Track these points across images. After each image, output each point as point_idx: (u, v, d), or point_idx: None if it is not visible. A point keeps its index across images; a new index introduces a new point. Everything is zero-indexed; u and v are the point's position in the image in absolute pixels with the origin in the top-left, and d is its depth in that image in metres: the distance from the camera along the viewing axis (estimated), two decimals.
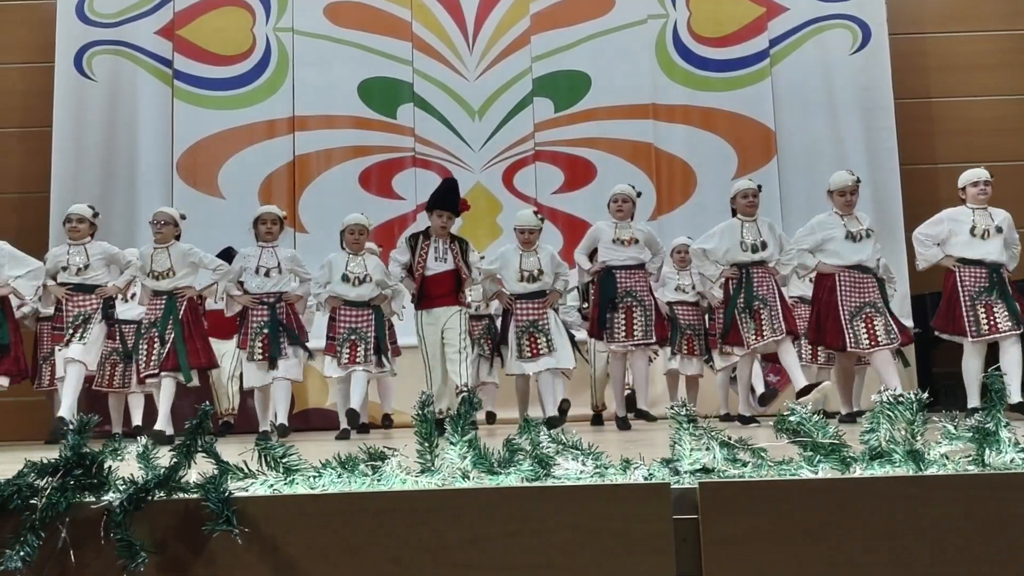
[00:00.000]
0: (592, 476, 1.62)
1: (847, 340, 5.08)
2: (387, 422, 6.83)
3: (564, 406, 5.42)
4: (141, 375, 5.59)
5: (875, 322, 5.07)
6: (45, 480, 1.61)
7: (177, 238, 5.71)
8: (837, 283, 5.18)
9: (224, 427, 6.69)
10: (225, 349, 6.65)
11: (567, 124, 8.22)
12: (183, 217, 5.82)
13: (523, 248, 5.69)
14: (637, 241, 5.58)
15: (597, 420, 6.62)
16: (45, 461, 1.61)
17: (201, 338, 5.64)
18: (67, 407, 5.38)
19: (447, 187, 5.63)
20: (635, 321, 5.43)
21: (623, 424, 5.56)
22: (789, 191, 7.98)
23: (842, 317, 5.10)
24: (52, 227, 7.61)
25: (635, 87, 8.24)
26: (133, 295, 6.05)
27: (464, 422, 1.69)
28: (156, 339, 5.46)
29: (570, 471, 1.63)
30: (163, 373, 5.44)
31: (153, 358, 5.44)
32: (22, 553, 1.52)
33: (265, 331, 5.51)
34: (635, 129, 8.21)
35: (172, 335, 5.45)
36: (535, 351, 5.50)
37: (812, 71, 8.27)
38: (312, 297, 5.87)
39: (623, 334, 5.44)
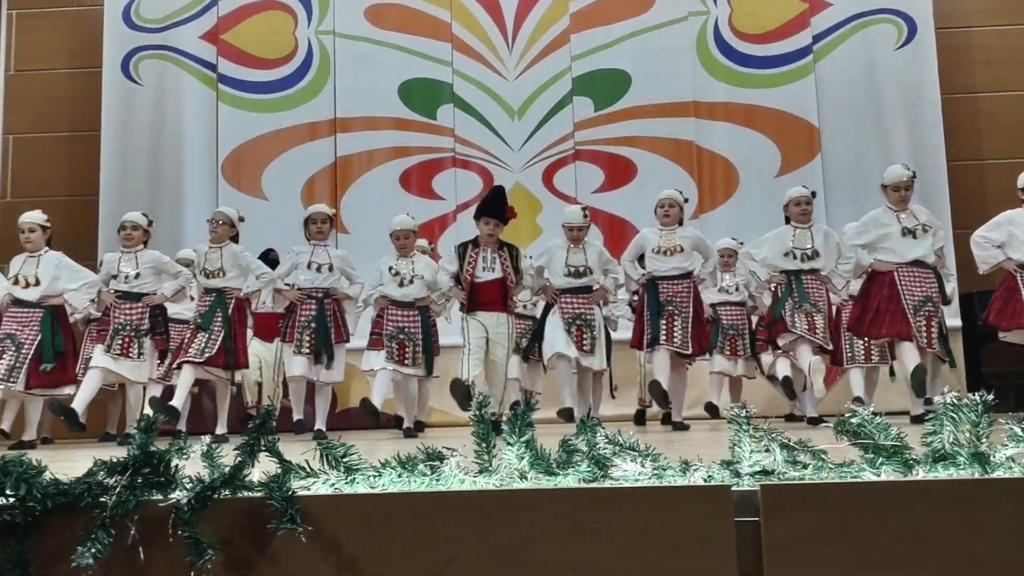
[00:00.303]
0: (650, 478, 1.62)
1: (912, 328, 4.94)
2: (419, 428, 6.74)
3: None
4: (177, 360, 5.64)
5: (932, 323, 4.96)
6: (114, 478, 1.64)
7: (234, 239, 5.80)
8: (897, 279, 5.05)
9: (245, 421, 6.75)
10: (269, 351, 6.73)
11: (607, 123, 8.20)
12: (242, 219, 5.91)
13: (571, 244, 5.64)
14: (682, 249, 5.51)
15: (640, 418, 6.59)
16: (114, 460, 1.65)
17: (242, 338, 5.75)
18: (79, 402, 5.47)
19: (494, 195, 5.62)
20: (675, 328, 5.38)
21: (663, 399, 5.51)
22: (833, 189, 7.88)
23: (906, 308, 4.96)
24: (101, 230, 7.77)
25: (676, 85, 8.19)
26: (192, 298, 6.12)
27: (521, 423, 1.70)
28: (199, 331, 5.53)
29: (628, 472, 1.63)
30: (208, 368, 5.54)
31: (192, 347, 5.49)
32: (93, 550, 1.55)
33: (313, 325, 5.61)
34: (676, 127, 8.17)
35: (221, 333, 5.52)
36: (580, 343, 5.45)
37: (856, 67, 8.16)
38: (361, 301, 5.94)
39: (664, 338, 5.39)
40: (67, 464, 1.76)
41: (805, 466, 1.66)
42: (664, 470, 1.64)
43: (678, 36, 8.28)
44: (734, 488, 1.58)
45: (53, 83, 8.46)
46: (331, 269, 5.78)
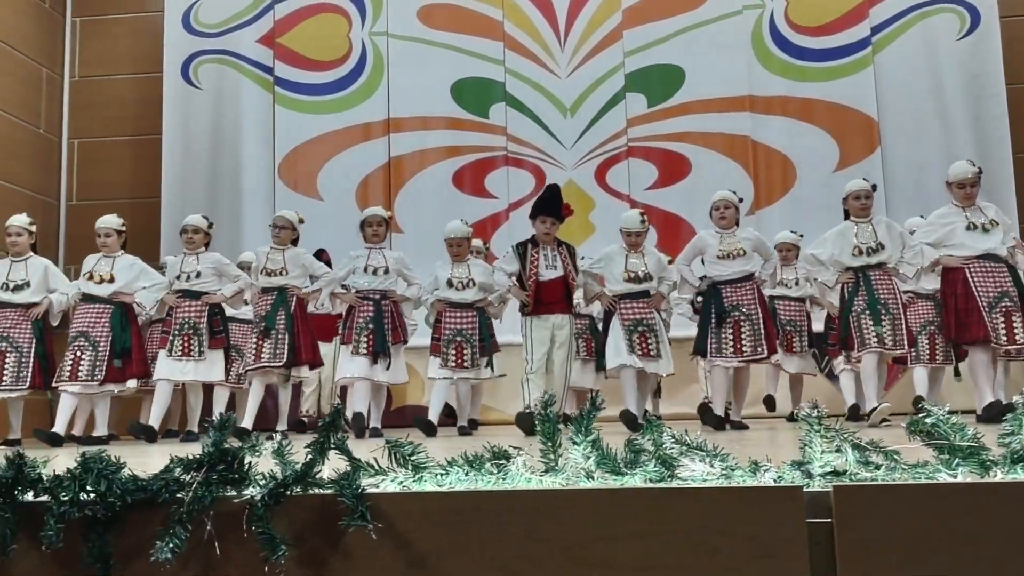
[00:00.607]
0: (719, 478, 1.61)
1: (988, 331, 4.74)
2: (473, 426, 6.75)
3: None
4: (247, 368, 5.80)
5: (1014, 318, 4.74)
6: (190, 475, 1.68)
7: (294, 242, 5.93)
8: (968, 275, 4.87)
9: (299, 425, 6.85)
10: (326, 351, 6.82)
11: (661, 119, 8.15)
12: (301, 221, 6.04)
13: (629, 249, 5.60)
14: (744, 252, 5.38)
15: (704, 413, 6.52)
16: (190, 457, 1.69)
17: (309, 333, 5.84)
18: (154, 418, 5.68)
19: (550, 193, 5.61)
20: (743, 336, 5.25)
21: (719, 424, 5.41)
22: (894, 183, 7.73)
23: (981, 307, 4.77)
24: (163, 232, 7.96)
25: (731, 79, 8.11)
26: (245, 302, 6.24)
27: (588, 422, 1.70)
28: (263, 333, 5.65)
29: (696, 472, 1.62)
30: (279, 370, 5.68)
31: (264, 353, 5.62)
32: (171, 545, 1.59)
33: (371, 327, 5.66)
34: (731, 122, 8.09)
35: (287, 333, 5.63)
36: (645, 350, 5.39)
37: (917, 58, 7.99)
38: (419, 300, 6.00)
39: (731, 350, 5.27)
40: (136, 460, 1.81)
41: (878, 467, 1.63)
42: (733, 470, 1.62)
43: (733, 30, 8.19)
44: (806, 489, 1.56)
45: (116, 88, 8.69)
46: (387, 272, 5.82)
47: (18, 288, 5.61)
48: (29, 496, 1.69)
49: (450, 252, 5.91)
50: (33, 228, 5.86)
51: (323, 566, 1.63)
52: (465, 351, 5.67)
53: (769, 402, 6.32)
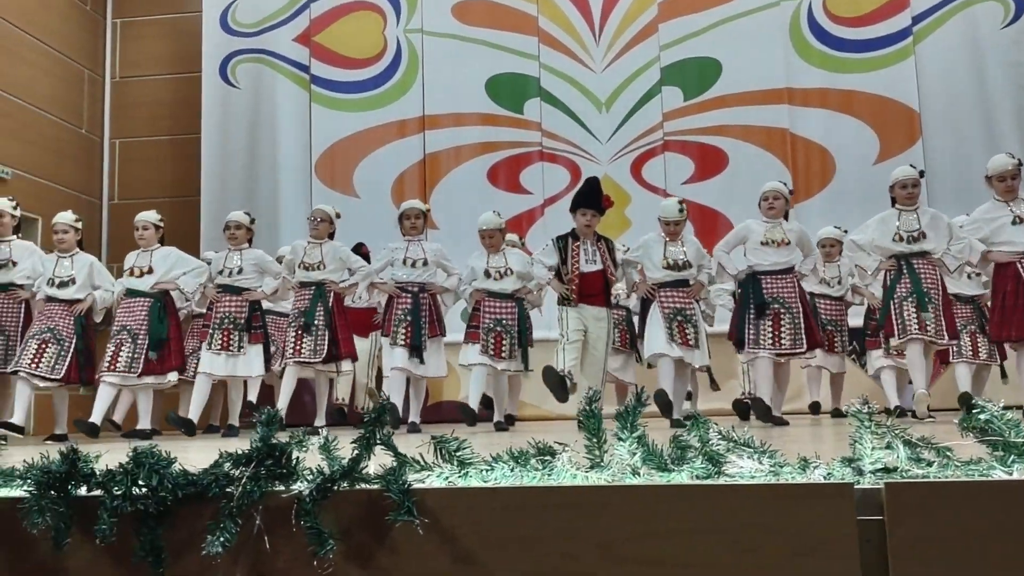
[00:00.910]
0: (767, 475, 1.59)
1: None
2: (510, 421, 6.76)
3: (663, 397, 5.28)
4: (288, 360, 5.85)
5: None
6: (239, 470, 1.70)
7: (331, 236, 5.99)
8: (1021, 271, 4.77)
9: (338, 414, 6.90)
10: (363, 347, 6.89)
11: (697, 112, 8.09)
12: (338, 215, 6.09)
13: (668, 238, 5.52)
14: (788, 243, 5.30)
15: (743, 411, 6.47)
16: (239, 452, 1.71)
17: (347, 327, 5.90)
18: (193, 411, 5.78)
19: (590, 186, 5.57)
20: (783, 329, 5.17)
21: (778, 421, 5.34)
22: (935, 175, 7.59)
23: None
24: (203, 230, 8.06)
25: (768, 71, 8.03)
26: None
27: (633, 418, 1.69)
28: (302, 329, 5.71)
29: (744, 469, 1.61)
30: (320, 367, 5.75)
31: (304, 348, 5.68)
32: (222, 539, 1.61)
33: (408, 319, 5.70)
34: (769, 115, 8.00)
35: (327, 329, 5.69)
36: (684, 339, 5.33)
37: (960, 48, 7.84)
38: (458, 291, 6.02)
39: (769, 342, 5.19)
40: (180, 455, 1.83)
41: (930, 463, 1.60)
42: (781, 467, 1.60)
43: (770, 22, 8.10)
44: (857, 486, 1.53)
45: (155, 88, 8.82)
46: (425, 264, 5.87)
47: (64, 284, 5.71)
48: (82, 491, 1.73)
49: (484, 244, 5.92)
50: (79, 225, 5.97)
51: (370, 560, 1.64)
52: (504, 341, 5.68)
53: (815, 408, 6.26)
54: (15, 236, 5.92)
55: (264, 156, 8.46)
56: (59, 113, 8.17)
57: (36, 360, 5.47)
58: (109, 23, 8.94)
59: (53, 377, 5.54)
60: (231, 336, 5.79)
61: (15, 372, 5.48)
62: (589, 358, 5.26)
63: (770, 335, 5.18)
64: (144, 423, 5.73)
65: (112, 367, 5.56)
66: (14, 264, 5.76)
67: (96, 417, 5.52)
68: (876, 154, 7.77)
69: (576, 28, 8.37)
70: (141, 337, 5.61)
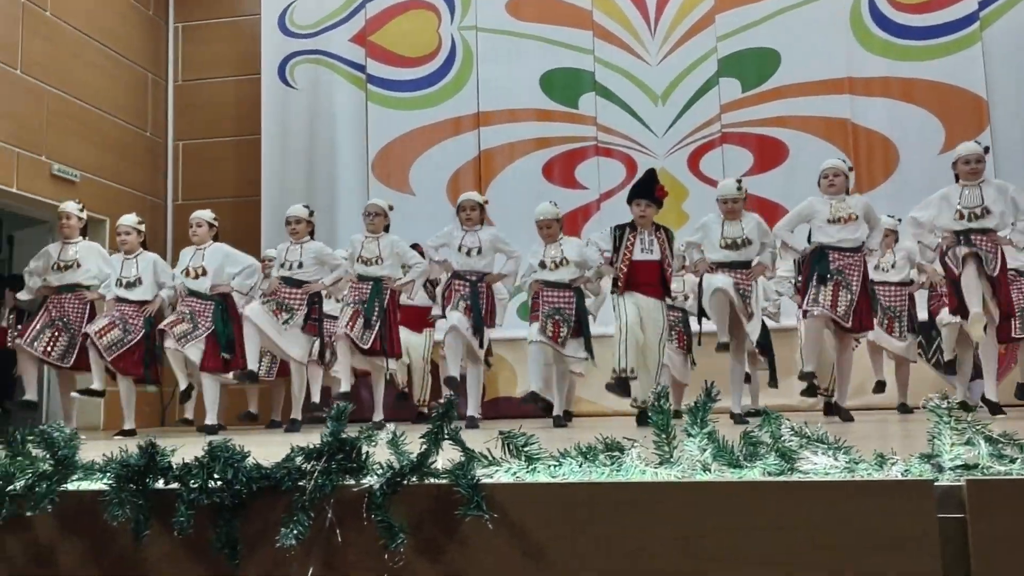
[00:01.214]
0: (842, 472, 1.56)
1: None
2: (568, 417, 6.70)
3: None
4: (339, 330, 5.89)
5: None
6: (311, 464, 1.73)
7: (386, 229, 6.07)
8: None
9: (420, 416, 6.95)
10: (417, 342, 6.93)
11: (755, 104, 7.96)
12: (391, 208, 6.16)
13: (726, 216, 5.39)
14: (856, 217, 5.12)
15: (830, 409, 6.36)
16: (311, 446, 1.74)
17: (396, 329, 5.98)
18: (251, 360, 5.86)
19: (646, 176, 5.51)
20: (840, 298, 5.01)
21: (808, 379, 5.24)
22: (1004, 164, 7.34)
23: None
24: (264, 229, 8.20)
25: (828, 61, 7.86)
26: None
27: (703, 414, 1.67)
28: (361, 314, 5.78)
29: (818, 466, 1.58)
30: (368, 357, 5.83)
31: (354, 329, 5.75)
32: (295, 531, 1.64)
33: (468, 301, 5.75)
34: (830, 105, 7.84)
35: (379, 323, 5.76)
36: (744, 307, 5.24)
37: None
38: (519, 279, 6.05)
39: (828, 303, 5.01)
40: (253, 450, 1.86)
41: (1012, 460, 1.55)
42: (856, 463, 1.57)
43: (830, 10, 7.93)
44: (936, 483, 1.50)
45: (217, 91, 8.99)
46: (480, 252, 5.92)
47: (131, 285, 5.88)
48: (160, 484, 1.77)
49: (541, 235, 5.93)
50: (141, 227, 6.12)
51: (440, 554, 1.66)
52: (561, 329, 5.68)
53: (880, 387, 6.12)
54: (81, 238, 6.09)
55: (322, 156, 8.56)
56: (124, 116, 8.39)
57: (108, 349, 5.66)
58: (171, 27, 9.14)
59: (116, 366, 5.72)
60: (288, 323, 5.91)
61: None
62: (645, 348, 5.19)
63: (829, 299, 5.02)
64: (211, 418, 5.86)
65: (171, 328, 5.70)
66: (79, 265, 5.92)
67: (209, 417, 5.77)
68: (942, 143, 7.55)
69: (631, 21, 8.30)
70: (201, 328, 5.74)
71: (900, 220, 6.05)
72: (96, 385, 5.75)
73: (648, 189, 5.31)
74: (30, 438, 1.87)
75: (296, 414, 6.08)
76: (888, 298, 6.10)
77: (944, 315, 5.77)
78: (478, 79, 8.45)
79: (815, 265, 5.13)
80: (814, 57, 7.88)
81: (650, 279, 5.22)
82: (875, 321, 5.74)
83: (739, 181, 5.54)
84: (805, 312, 5.20)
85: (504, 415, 7.48)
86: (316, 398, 6.38)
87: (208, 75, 9.02)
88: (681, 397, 6.26)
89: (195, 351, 5.72)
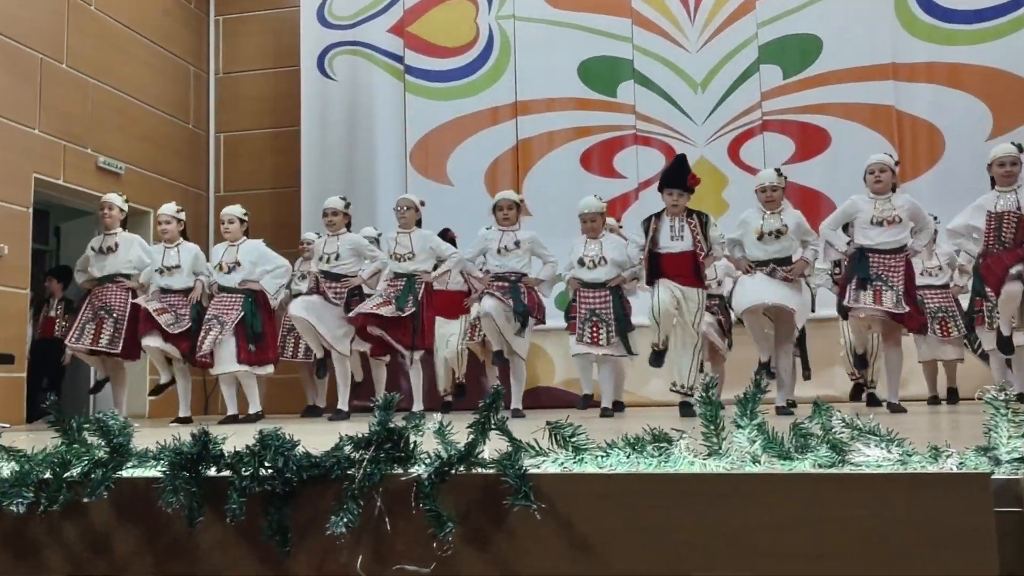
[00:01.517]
0: (895, 464, 1.54)
1: None
2: (618, 408, 6.71)
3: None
4: (358, 311, 5.94)
5: None
6: (359, 453, 1.74)
7: (418, 223, 6.10)
8: None
9: (444, 406, 6.98)
10: (453, 330, 6.96)
11: (797, 91, 7.85)
12: (422, 203, 6.18)
13: (765, 207, 5.28)
14: (900, 220, 5.02)
15: (857, 394, 6.30)
16: (359, 435, 1.75)
17: (431, 322, 6.02)
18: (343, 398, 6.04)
19: (676, 164, 5.45)
20: (884, 296, 4.90)
21: (861, 363, 5.14)
22: None
23: None
24: (303, 220, 8.28)
25: (872, 47, 7.72)
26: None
27: (753, 405, 1.66)
28: (390, 303, 5.85)
29: (871, 458, 1.56)
30: (394, 344, 5.91)
31: (383, 310, 5.82)
32: (345, 519, 1.66)
33: (508, 295, 5.80)
34: (873, 91, 7.70)
35: (412, 314, 5.82)
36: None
37: None
38: (555, 277, 6.06)
39: (870, 302, 4.90)
40: (303, 439, 1.88)
41: None
42: (910, 456, 1.55)
43: None
44: (993, 476, 1.47)
45: (257, 83, 9.08)
46: (518, 246, 5.93)
47: (171, 273, 6.02)
48: (212, 471, 1.80)
49: (583, 228, 5.90)
50: (181, 216, 6.23)
51: (488, 544, 1.66)
52: (600, 330, 5.67)
53: (934, 402, 6.09)
54: (121, 229, 6.22)
55: (361, 146, 8.61)
56: (167, 109, 8.50)
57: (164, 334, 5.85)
58: (212, 20, 9.23)
59: (174, 355, 5.88)
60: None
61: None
62: (682, 327, 5.13)
63: (871, 299, 4.93)
64: (254, 407, 5.94)
65: (199, 350, 5.78)
66: (120, 254, 6.07)
67: (252, 407, 5.92)
68: (989, 130, 7.39)
69: (670, 8, 8.21)
70: (228, 325, 5.80)
71: (938, 219, 5.93)
72: (163, 379, 6.01)
73: (680, 177, 5.24)
74: (86, 426, 1.91)
75: (343, 404, 6.13)
76: (935, 301, 6.00)
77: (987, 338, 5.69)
78: (516, 68, 8.43)
79: (854, 268, 5.05)
80: (857, 43, 7.74)
81: (682, 269, 5.13)
82: (927, 327, 5.64)
83: (778, 169, 5.46)
84: (846, 313, 5.10)
85: (543, 405, 7.49)
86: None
87: (248, 67, 9.11)
88: (723, 377, 6.22)
89: (228, 351, 5.82)
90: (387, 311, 5.78)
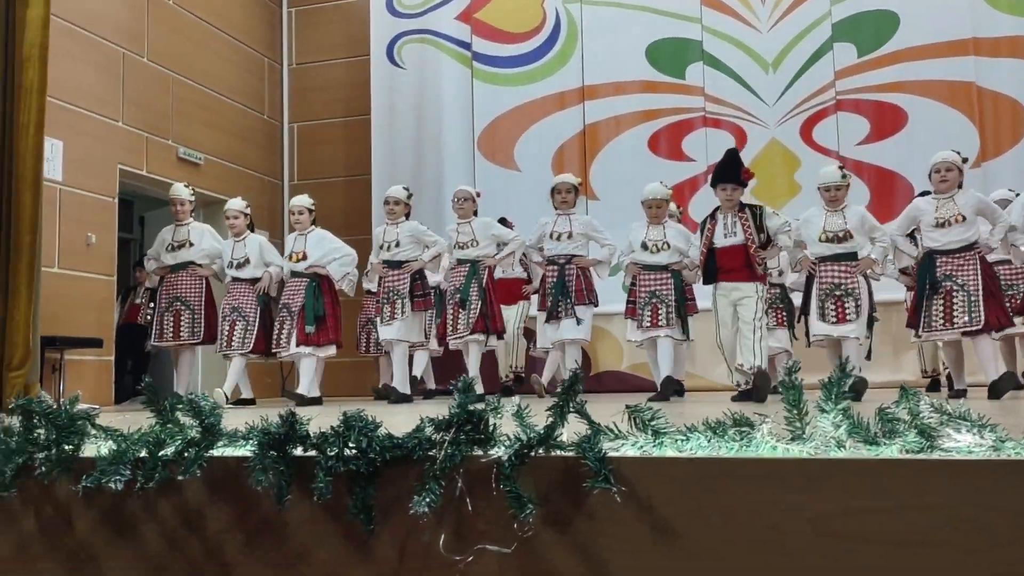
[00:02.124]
0: (987, 450, 1.50)
1: None
2: (678, 387, 6.65)
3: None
4: (447, 338, 6.19)
5: None
6: (440, 434, 1.78)
7: (475, 214, 6.20)
8: None
9: (505, 391, 7.02)
10: (508, 315, 7.01)
11: (872, 69, 7.64)
12: (478, 194, 6.30)
13: (828, 207, 5.28)
14: (964, 219, 4.90)
15: (934, 386, 6.16)
16: (440, 417, 1.78)
17: (496, 306, 6.11)
18: (398, 379, 6.08)
19: (728, 159, 5.39)
20: (955, 306, 4.80)
21: (957, 395, 4.98)
22: None
23: None
24: (374, 207, 8.40)
25: (951, 21, 7.46)
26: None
27: (838, 389, 1.64)
28: (459, 305, 5.97)
29: (961, 444, 1.52)
30: (470, 336, 5.97)
31: (460, 324, 5.95)
32: (428, 500, 1.69)
33: (552, 291, 5.86)
34: (952, 68, 7.45)
35: (479, 302, 5.91)
36: (841, 315, 5.12)
37: None
38: (612, 262, 6.06)
39: (941, 323, 4.84)
40: (386, 420, 1.92)
41: None
42: (1003, 442, 1.51)
43: None
44: None
45: (329, 73, 9.23)
46: (571, 236, 5.96)
47: (241, 265, 6.24)
48: (299, 451, 1.85)
49: (647, 214, 5.88)
50: (248, 211, 6.46)
51: (568, 525, 1.68)
52: (660, 311, 5.66)
53: (1011, 378, 5.88)
54: (192, 219, 6.48)
55: (429, 134, 8.68)
56: (243, 100, 8.70)
57: (229, 339, 6.10)
58: (285, 12, 9.40)
59: (243, 352, 6.11)
60: (396, 306, 6.12)
61: (225, 355, 6.21)
62: (743, 337, 5.09)
63: (941, 315, 4.85)
64: (313, 391, 6.09)
65: (278, 344, 6.09)
66: (192, 244, 6.30)
67: (303, 388, 6.03)
68: None
69: None
70: (297, 313, 6.00)
71: (1019, 194, 5.71)
72: (246, 394, 6.30)
73: (734, 172, 5.19)
74: (179, 407, 1.98)
75: (405, 388, 6.24)
76: (1009, 279, 5.79)
77: None
78: (583, 52, 8.38)
79: (923, 273, 4.98)
80: (935, 18, 7.49)
81: (735, 263, 5.12)
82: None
83: (841, 168, 5.38)
84: (918, 329, 5.05)
85: (609, 389, 7.48)
86: (418, 373, 6.70)
87: (320, 58, 9.26)
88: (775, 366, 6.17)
89: (292, 334, 6.00)
90: (462, 323, 5.91)
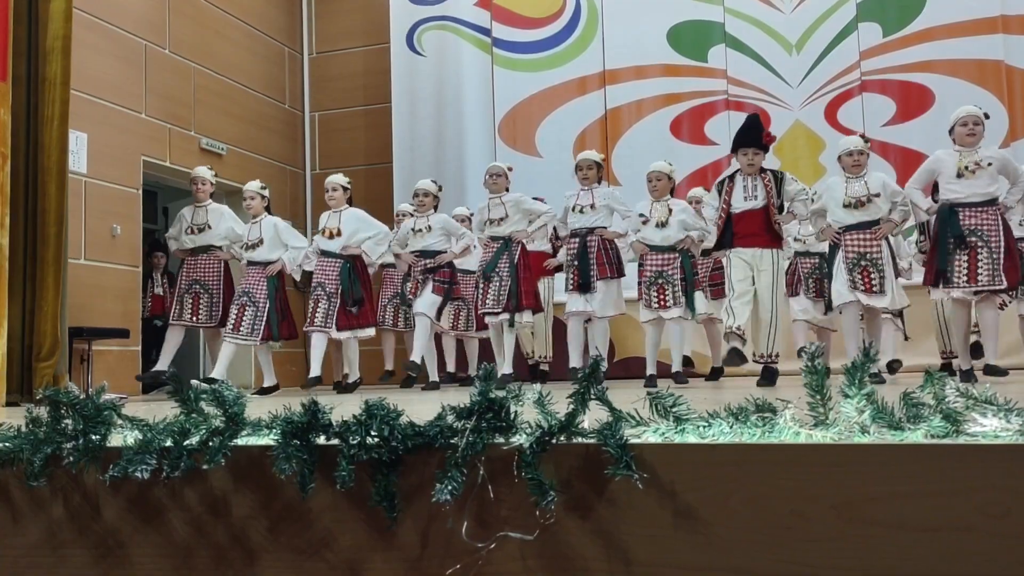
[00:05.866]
0: (1014, 435, 1.48)
1: None
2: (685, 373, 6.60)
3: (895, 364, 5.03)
4: (479, 311, 6.23)
5: None
6: (462, 422, 1.78)
7: (506, 190, 6.20)
8: None
9: (532, 370, 7.02)
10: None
11: (898, 48, 7.53)
12: (510, 168, 6.29)
13: (850, 172, 5.19)
14: (988, 165, 4.75)
15: (946, 368, 6.08)
16: (461, 405, 1.79)
17: (529, 282, 6.09)
18: (417, 351, 6.11)
19: (749, 123, 5.39)
20: (980, 263, 4.66)
21: (966, 376, 4.86)
22: None
23: None
24: (395, 195, 8.42)
25: None
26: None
27: (862, 374, 1.62)
28: (485, 280, 5.98)
29: (987, 428, 1.50)
30: (495, 320, 5.99)
31: (489, 299, 5.95)
32: (450, 487, 1.69)
33: (576, 263, 5.85)
34: (980, 46, 7.33)
35: (509, 280, 5.92)
36: (868, 285, 5.06)
37: None
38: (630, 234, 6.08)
39: (964, 278, 4.70)
40: (407, 408, 1.93)
41: None
42: None
43: None
44: None
45: (349, 62, 9.23)
46: (593, 207, 5.96)
47: (254, 246, 6.26)
48: (321, 439, 1.86)
49: (648, 188, 5.93)
50: (265, 192, 6.45)
51: (590, 512, 1.68)
52: (667, 291, 5.65)
53: None
54: (211, 201, 6.51)
55: (450, 121, 8.68)
56: (264, 90, 8.73)
57: (237, 324, 6.07)
58: (304, 1, 9.41)
59: (252, 339, 6.09)
60: (425, 285, 6.23)
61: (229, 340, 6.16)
62: (760, 309, 5.06)
63: (965, 270, 4.70)
64: (353, 374, 6.14)
65: (311, 322, 6.07)
66: (211, 227, 6.37)
67: (314, 369, 5.99)
68: None
69: None
70: (335, 297, 6.02)
71: None
72: (268, 382, 6.30)
73: (755, 136, 5.17)
74: (203, 396, 2.00)
75: (432, 376, 6.28)
76: None
77: None
78: (603, 37, 8.33)
79: (945, 227, 4.77)
80: None
81: (754, 228, 5.07)
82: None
83: (863, 135, 5.35)
84: (937, 282, 4.84)
85: (635, 375, 7.45)
86: (452, 366, 6.71)
87: (340, 47, 9.27)
88: (830, 346, 6.08)
89: (331, 317, 6.02)
90: (491, 298, 5.92)
